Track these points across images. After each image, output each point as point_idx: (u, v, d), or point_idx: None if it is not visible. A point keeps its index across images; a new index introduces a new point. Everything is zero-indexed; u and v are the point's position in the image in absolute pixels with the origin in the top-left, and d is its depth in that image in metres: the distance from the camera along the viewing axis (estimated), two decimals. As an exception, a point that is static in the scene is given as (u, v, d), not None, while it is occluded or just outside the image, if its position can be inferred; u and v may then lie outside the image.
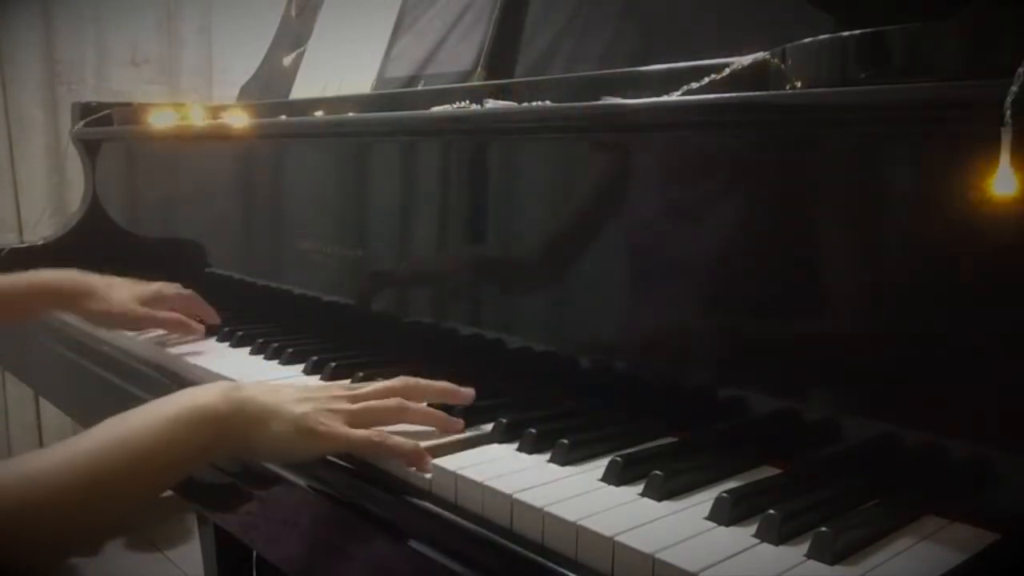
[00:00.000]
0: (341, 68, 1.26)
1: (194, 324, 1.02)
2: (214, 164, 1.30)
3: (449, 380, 0.81)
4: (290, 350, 0.92)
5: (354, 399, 0.67)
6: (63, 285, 1.05)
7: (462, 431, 0.68)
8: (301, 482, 0.68)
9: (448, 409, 0.70)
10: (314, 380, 0.84)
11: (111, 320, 1.02)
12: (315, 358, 0.87)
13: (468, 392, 0.71)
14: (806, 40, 0.61)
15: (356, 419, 0.65)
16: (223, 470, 0.78)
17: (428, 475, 0.61)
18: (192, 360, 0.92)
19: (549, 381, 0.78)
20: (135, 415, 0.61)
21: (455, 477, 0.59)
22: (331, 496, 0.66)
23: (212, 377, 0.87)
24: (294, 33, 1.46)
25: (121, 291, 1.03)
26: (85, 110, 1.61)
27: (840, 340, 0.60)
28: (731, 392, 0.66)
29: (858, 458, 0.59)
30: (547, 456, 0.63)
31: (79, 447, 0.58)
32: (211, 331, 1.05)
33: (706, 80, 0.68)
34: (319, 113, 1.13)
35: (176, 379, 0.91)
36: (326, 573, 0.68)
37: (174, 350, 0.96)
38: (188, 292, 1.06)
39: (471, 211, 0.87)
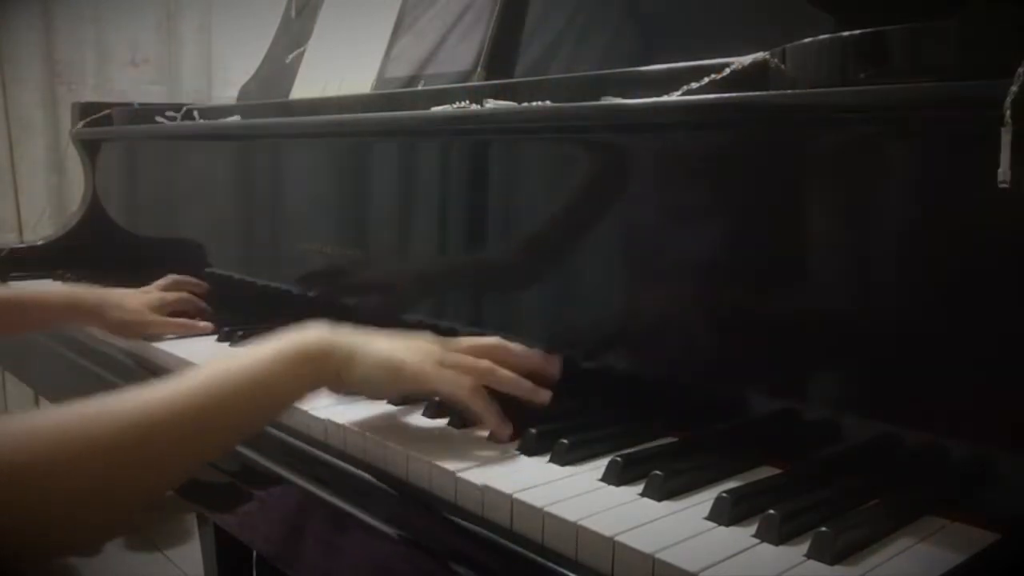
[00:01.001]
0: (341, 68, 1.26)
1: (200, 324, 1.05)
2: (214, 164, 1.30)
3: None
4: (290, 350, 0.91)
5: (446, 346, 0.69)
6: (80, 298, 1.07)
7: (546, 402, 0.69)
8: (299, 481, 0.68)
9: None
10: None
11: (130, 330, 1.03)
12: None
13: (556, 361, 0.72)
14: (806, 40, 0.61)
15: (449, 362, 0.67)
16: (223, 469, 0.78)
17: (428, 475, 0.61)
18: (192, 360, 0.92)
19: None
20: (243, 352, 0.65)
21: (455, 478, 0.59)
22: (330, 495, 0.66)
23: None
24: (294, 33, 1.46)
25: (133, 300, 1.05)
26: (85, 110, 1.61)
27: (840, 340, 0.60)
28: (731, 392, 0.66)
29: (858, 458, 0.59)
30: (547, 456, 0.63)
31: (186, 382, 0.59)
32: (212, 330, 1.05)
33: (706, 80, 0.68)
34: (319, 113, 1.13)
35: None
36: (326, 573, 0.68)
37: (175, 351, 0.96)
38: (184, 295, 1.11)
39: (471, 211, 0.87)
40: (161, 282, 1.13)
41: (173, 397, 0.58)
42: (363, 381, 0.67)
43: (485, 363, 0.68)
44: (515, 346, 0.71)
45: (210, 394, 0.59)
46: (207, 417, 0.59)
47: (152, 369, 0.97)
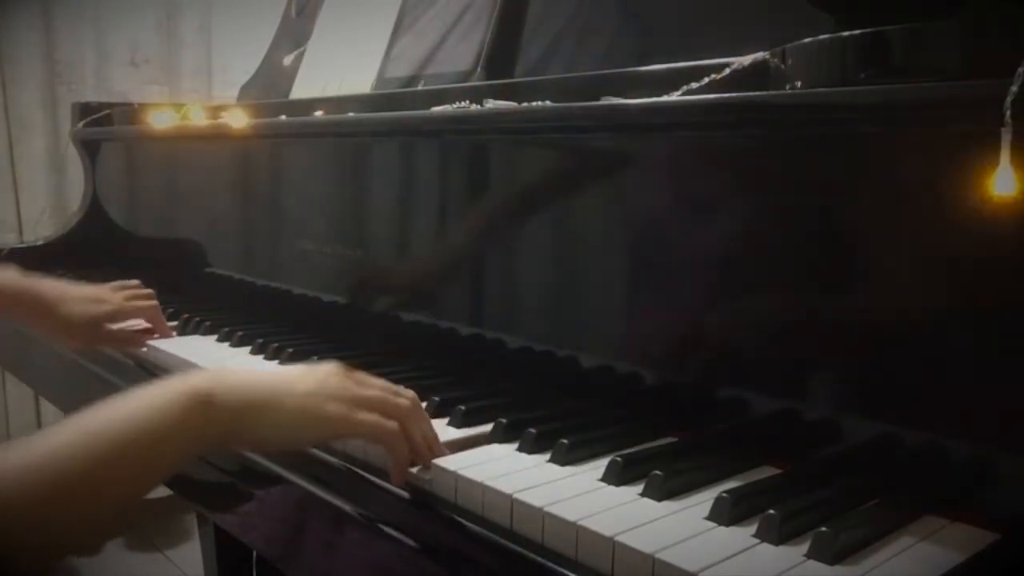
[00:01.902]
0: (341, 68, 1.26)
1: (138, 338, 0.99)
2: (214, 164, 1.30)
3: (449, 379, 0.82)
4: (290, 350, 0.92)
5: (355, 380, 0.63)
6: (31, 289, 0.97)
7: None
8: (299, 481, 0.68)
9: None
10: (314, 380, 0.84)
11: (67, 340, 0.97)
12: (315, 358, 0.87)
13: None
14: (806, 40, 0.61)
15: (367, 405, 0.61)
16: (223, 469, 0.78)
17: (428, 475, 0.61)
18: (193, 360, 0.92)
19: (549, 381, 0.78)
20: (122, 400, 0.56)
21: (455, 477, 0.59)
22: (330, 495, 0.66)
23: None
24: (294, 33, 1.46)
25: (75, 307, 0.95)
26: (85, 110, 1.61)
27: (840, 340, 0.60)
28: (731, 392, 0.66)
29: (858, 458, 0.59)
30: (547, 456, 0.63)
31: (58, 436, 0.53)
32: (212, 331, 1.05)
33: (706, 80, 0.68)
34: (319, 113, 1.13)
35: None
36: (326, 573, 0.68)
37: (176, 351, 0.96)
38: (149, 304, 1.02)
39: (471, 211, 0.87)
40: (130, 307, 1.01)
41: (56, 447, 0.52)
42: (275, 430, 0.59)
43: (406, 402, 0.63)
44: (424, 414, 0.65)
45: (83, 444, 0.53)
46: (80, 477, 0.52)
47: (150, 369, 0.97)
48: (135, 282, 1.03)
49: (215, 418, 0.57)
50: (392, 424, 0.61)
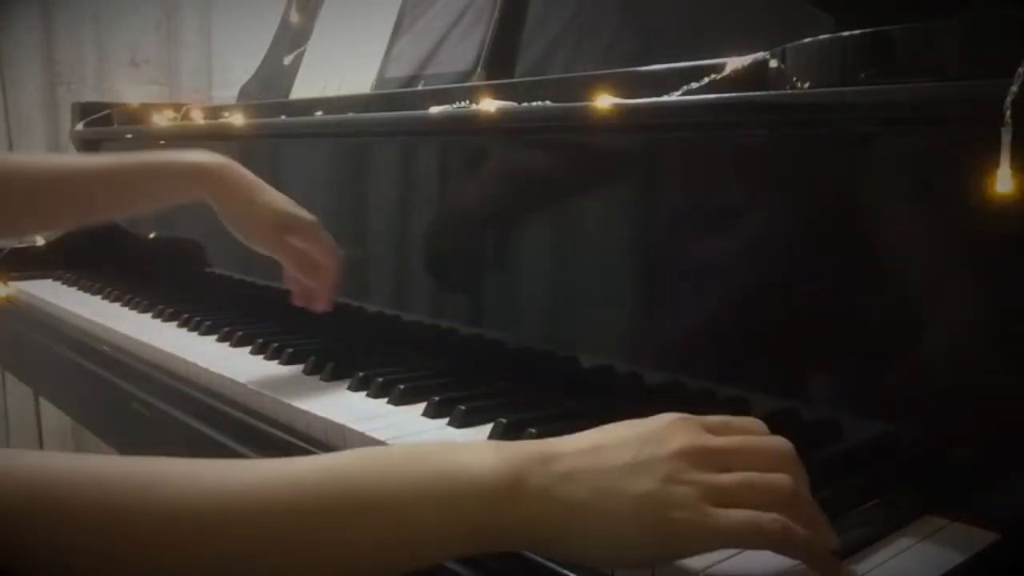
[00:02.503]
0: (341, 68, 1.26)
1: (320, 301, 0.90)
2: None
3: (449, 379, 0.82)
4: (290, 350, 0.92)
5: (717, 456, 0.45)
6: (201, 171, 0.90)
7: None
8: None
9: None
10: (313, 380, 0.84)
11: (241, 229, 0.92)
12: (314, 358, 0.87)
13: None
14: (806, 40, 0.61)
15: (728, 497, 0.43)
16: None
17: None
18: (192, 360, 0.92)
19: (549, 381, 0.78)
20: (403, 452, 0.46)
21: (455, 477, 0.59)
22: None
23: (212, 377, 0.87)
24: (294, 33, 1.46)
25: (267, 197, 0.91)
26: (85, 110, 1.61)
27: (840, 339, 0.60)
28: (731, 392, 0.66)
29: (858, 458, 0.59)
30: (547, 456, 0.63)
31: (297, 467, 0.43)
32: (213, 331, 1.05)
33: (706, 80, 0.68)
34: (319, 113, 1.13)
35: (175, 377, 0.91)
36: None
37: (176, 351, 0.96)
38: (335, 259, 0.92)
39: (471, 211, 0.87)
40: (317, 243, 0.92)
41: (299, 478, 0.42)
42: (592, 546, 0.43)
43: (782, 479, 0.45)
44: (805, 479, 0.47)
45: (332, 484, 0.42)
46: (302, 531, 0.41)
47: (152, 364, 0.97)
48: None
49: (505, 522, 0.42)
50: (771, 520, 0.43)
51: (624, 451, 0.44)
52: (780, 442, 0.47)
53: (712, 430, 0.47)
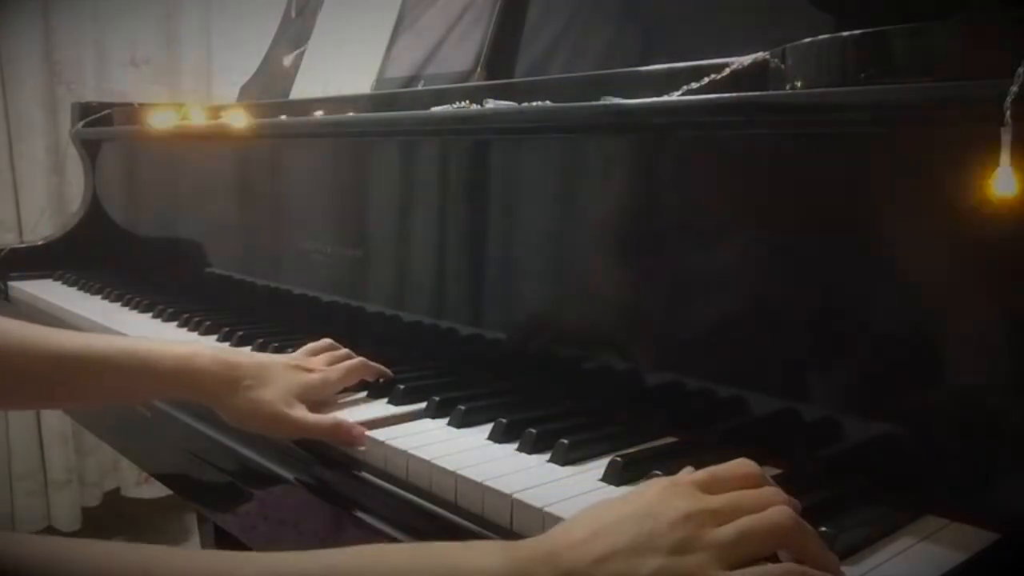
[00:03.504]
0: (341, 68, 1.26)
1: (354, 431, 0.69)
2: (214, 164, 1.30)
3: (449, 379, 0.82)
4: (290, 350, 0.91)
5: (715, 517, 0.45)
6: (192, 368, 0.72)
7: None
8: (299, 484, 0.68)
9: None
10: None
11: (253, 422, 0.72)
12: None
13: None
14: (806, 40, 0.61)
15: (736, 554, 0.44)
16: (223, 469, 0.78)
17: (428, 475, 0.61)
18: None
19: (549, 381, 0.78)
20: (394, 562, 0.45)
21: (455, 477, 0.59)
22: (330, 496, 0.66)
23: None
24: (294, 33, 1.46)
25: (273, 386, 0.72)
26: (85, 110, 1.61)
27: (840, 339, 0.60)
28: (731, 392, 0.66)
29: (858, 458, 0.59)
30: (547, 456, 0.63)
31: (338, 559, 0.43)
32: (213, 331, 1.05)
33: (706, 80, 0.68)
34: (319, 113, 1.13)
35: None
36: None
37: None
38: (356, 366, 0.79)
39: (471, 211, 0.87)
40: (325, 356, 0.80)
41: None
42: None
43: (783, 514, 0.45)
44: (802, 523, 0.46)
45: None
46: None
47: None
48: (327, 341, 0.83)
49: None
50: (783, 572, 0.44)
51: (623, 532, 0.44)
52: (772, 491, 0.48)
53: (703, 487, 0.47)
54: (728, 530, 0.44)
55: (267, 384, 0.72)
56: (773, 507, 0.45)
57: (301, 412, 0.71)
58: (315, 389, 0.74)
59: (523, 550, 0.45)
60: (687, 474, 0.49)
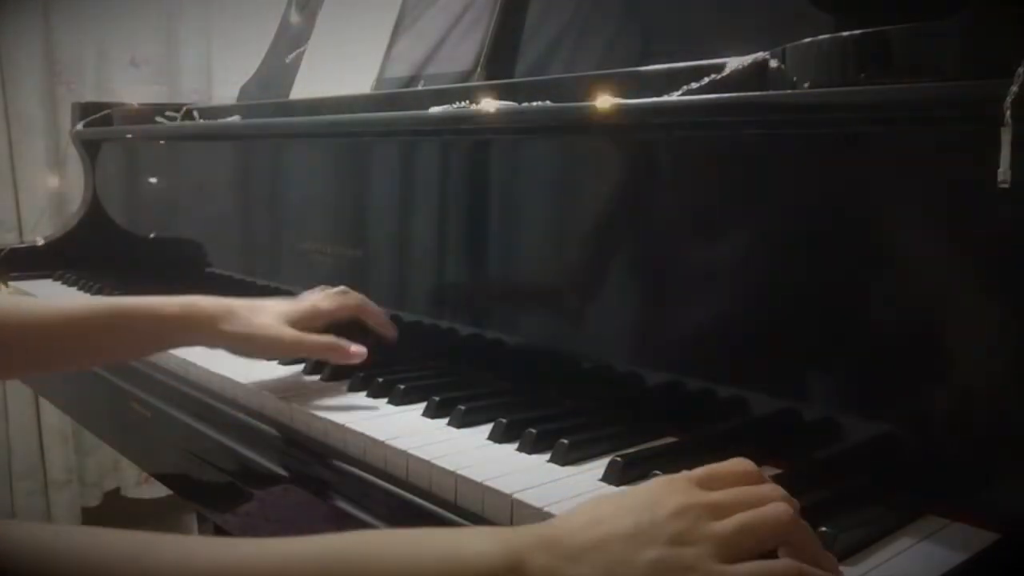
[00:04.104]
0: (341, 68, 1.26)
1: (351, 348, 0.79)
2: (214, 164, 1.30)
3: (449, 379, 0.82)
4: (290, 350, 0.91)
5: (714, 511, 0.45)
6: (195, 309, 0.81)
7: None
8: (298, 484, 0.68)
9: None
10: (313, 380, 0.84)
11: (252, 345, 0.81)
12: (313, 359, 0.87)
13: None
14: (806, 40, 0.61)
15: (735, 549, 0.43)
16: (223, 469, 0.78)
17: (428, 474, 0.61)
18: (192, 360, 0.92)
19: (549, 381, 0.78)
20: (415, 537, 0.45)
21: (455, 476, 0.59)
22: (330, 495, 0.66)
23: (212, 377, 0.87)
24: (294, 33, 1.46)
25: (265, 313, 0.81)
26: (85, 110, 1.61)
27: (841, 339, 0.60)
28: (731, 392, 0.66)
29: (858, 458, 0.59)
30: (547, 456, 0.63)
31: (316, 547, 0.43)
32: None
33: (706, 80, 0.68)
34: (319, 113, 1.13)
35: (175, 377, 0.91)
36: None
37: (175, 351, 0.96)
38: (352, 301, 0.86)
39: (471, 211, 0.87)
40: (319, 289, 0.87)
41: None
42: None
43: (781, 510, 0.45)
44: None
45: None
46: None
47: (152, 364, 0.97)
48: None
49: None
50: (783, 568, 0.44)
51: (623, 521, 0.44)
52: (771, 488, 0.47)
53: (701, 484, 0.47)
54: (727, 524, 0.44)
55: (261, 312, 0.81)
56: (772, 503, 0.45)
57: (296, 332, 0.80)
58: (307, 315, 0.83)
59: (522, 535, 0.45)
60: (686, 471, 0.49)
